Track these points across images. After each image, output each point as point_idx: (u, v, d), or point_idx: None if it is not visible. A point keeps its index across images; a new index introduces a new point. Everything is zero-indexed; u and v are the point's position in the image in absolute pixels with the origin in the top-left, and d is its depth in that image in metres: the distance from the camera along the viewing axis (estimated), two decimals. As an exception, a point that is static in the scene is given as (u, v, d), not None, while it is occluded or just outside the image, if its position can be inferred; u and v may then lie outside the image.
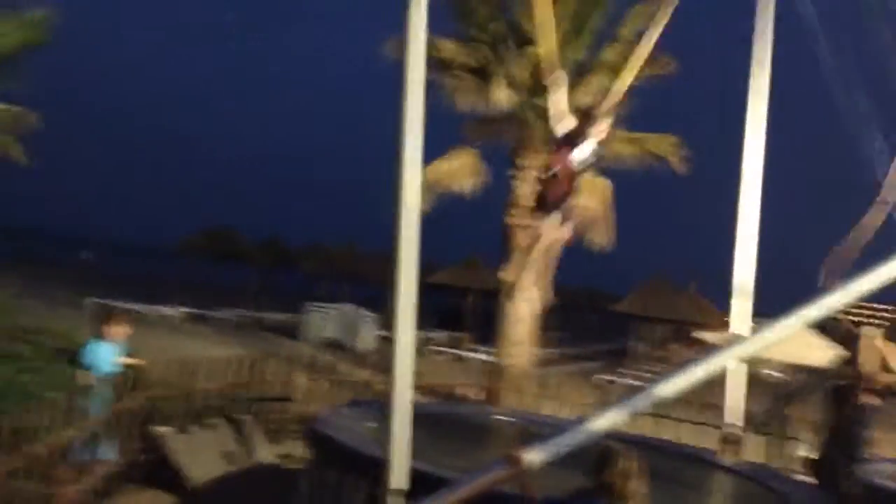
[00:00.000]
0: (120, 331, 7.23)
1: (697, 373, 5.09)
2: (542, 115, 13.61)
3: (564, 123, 6.35)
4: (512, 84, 13.01)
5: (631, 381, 21.52)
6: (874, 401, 6.99)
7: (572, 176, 6.34)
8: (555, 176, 6.26)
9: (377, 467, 4.92)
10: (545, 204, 6.34)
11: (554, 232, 6.43)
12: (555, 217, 6.36)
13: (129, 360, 7.58)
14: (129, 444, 7.52)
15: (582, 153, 6.29)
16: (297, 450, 8.85)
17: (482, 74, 13.26)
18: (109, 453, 7.06)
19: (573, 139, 6.28)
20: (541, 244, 6.54)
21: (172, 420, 8.26)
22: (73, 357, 7.11)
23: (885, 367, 7.11)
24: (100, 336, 7.12)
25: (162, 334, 20.00)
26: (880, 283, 4.86)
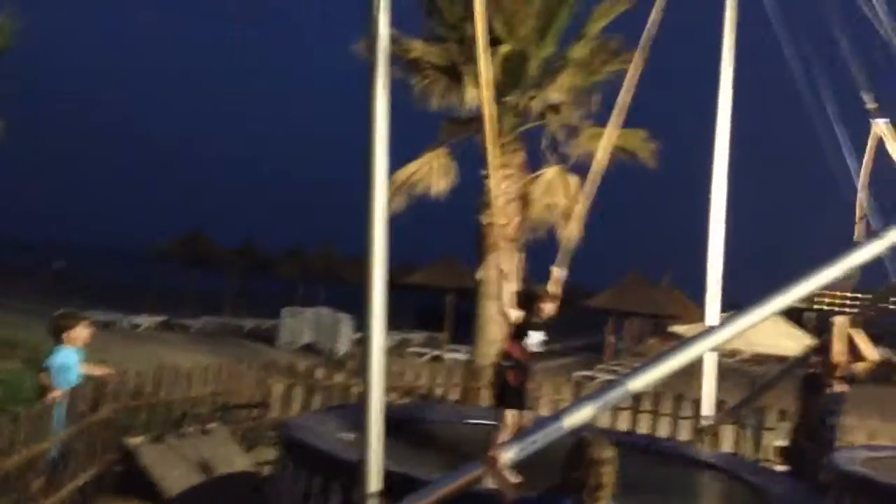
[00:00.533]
0: (81, 336, 7.00)
1: (671, 365, 5.11)
2: (513, 113, 13.68)
3: (516, 316, 6.63)
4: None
5: (609, 377, 21.66)
6: (844, 388, 7.06)
7: (532, 358, 6.65)
8: (516, 365, 6.56)
9: (352, 471, 4.90)
10: (508, 393, 6.51)
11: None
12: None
13: (97, 370, 7.41)
14: (103, 455, 7.43)
15: (534, 339, 6.60)
16: (273, 456, 8.80)
17: (452, 73, 13.24)
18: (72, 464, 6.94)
19: (523, 328, 6.59)
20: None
21: (146, 430, 8.17)
22: (42, 368, 6.91)
23: (855, 356, 7.18)
24: (61, 342, 6.88)
25: (135, 343, 19.83)
26: (844, 272, 4.92)
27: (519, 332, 6.58)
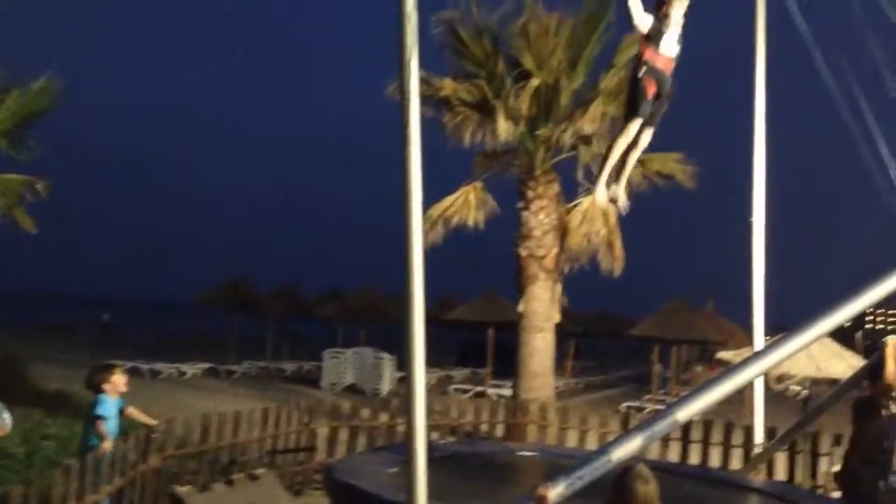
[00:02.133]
0: (119, 383, 7.21)
1: (719, 392, 5.02)
2: (546, 145, 13.72)
3: (644, 21, 6.13)
4: (512, 116, 13.08)
5: (657, 407, 21.29)
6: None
7: (666, 67, 6.18)
8: (649, 73, 6.10)
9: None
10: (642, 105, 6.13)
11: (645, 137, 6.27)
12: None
13: (142, 416, 7.59)
14: (152, 504, 7.48)
15: (670, 43, 6.12)
16: (321, 500, 8.77)
17: (483, 109, 13.35)
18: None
19: (655, 34, 6.11)
20: (638, 148, 6.37)
21: (194, 478, 8.21)
22: (93, 416, 7.08)
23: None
24: (102, 392, 7.09)
25: (182, 391, 20.02)
26: (892, 290, 4.81)
27: (651, 37, 6.11)
